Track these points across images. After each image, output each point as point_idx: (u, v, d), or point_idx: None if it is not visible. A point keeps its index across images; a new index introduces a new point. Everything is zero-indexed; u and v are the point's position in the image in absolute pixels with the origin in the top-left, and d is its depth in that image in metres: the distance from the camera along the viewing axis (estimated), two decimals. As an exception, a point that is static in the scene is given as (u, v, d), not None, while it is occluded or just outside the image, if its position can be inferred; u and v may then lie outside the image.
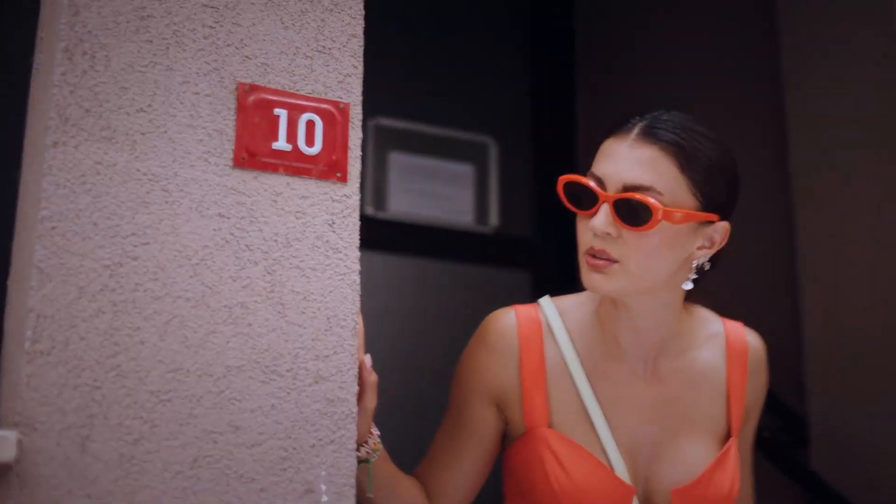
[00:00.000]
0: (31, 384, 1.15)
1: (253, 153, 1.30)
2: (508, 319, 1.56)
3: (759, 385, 1.62)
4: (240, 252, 1.27)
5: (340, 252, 1.33)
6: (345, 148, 1.35)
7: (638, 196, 1.41)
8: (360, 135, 1.38)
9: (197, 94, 1.29)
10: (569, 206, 1.49)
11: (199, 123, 1.29)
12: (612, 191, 1.44)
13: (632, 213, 1.42)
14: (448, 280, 3.71)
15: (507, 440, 1.58)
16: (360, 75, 1.39)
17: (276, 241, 1.30)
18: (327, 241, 1.33)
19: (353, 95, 1.38)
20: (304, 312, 1.29)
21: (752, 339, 1.62)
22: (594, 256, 1.45)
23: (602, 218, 1.43)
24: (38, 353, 1.16)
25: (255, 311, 1.27)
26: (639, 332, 1.54)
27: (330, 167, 1.34)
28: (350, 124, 1.37)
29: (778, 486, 2.80)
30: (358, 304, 1.33)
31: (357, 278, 1.34)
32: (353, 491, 1.28)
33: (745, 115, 3.25)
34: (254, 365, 1.25)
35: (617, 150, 1.46)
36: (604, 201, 1.44)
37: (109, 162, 1.23)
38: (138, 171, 1.24)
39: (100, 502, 1.15)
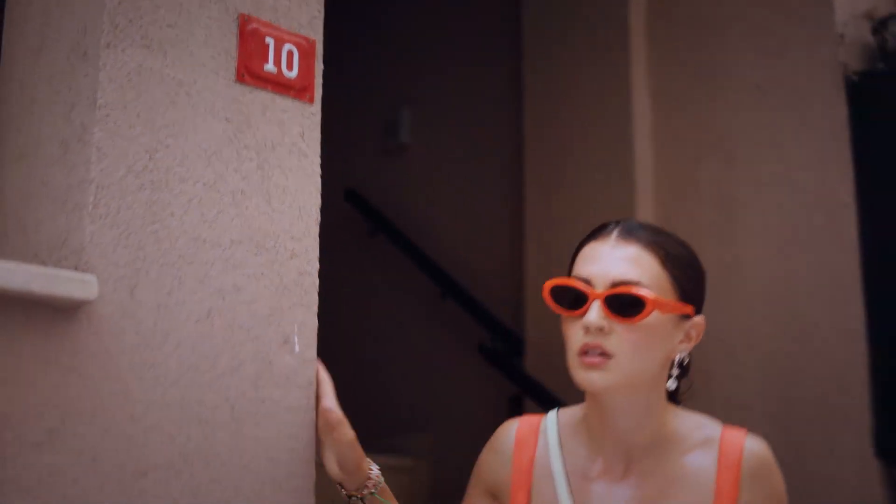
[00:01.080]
0: (94, 241, 1.41)
1: (250, 71, 1.61)
2: (512, 426, 1.70)
3: (762, 495, 1.56)
4: (240, 150, 1.59)
5: (308, 157, 1.68)
6: (312, 75, 1.69)
7: (629, 289, 1.51)
8: (322, 66, 1.72)
9: (210, 18, 1.58)
10: (557, 309, 1.57)
11: (211, 42, 1.57)
12: (601, 288, 1.53)
13: (624, 305, 1.51)
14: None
15: None
16: (323, 18, 1.73)
17: (264, 144, 1.62)
18: (300, 149, 1.66)
19: (318, 34, 1.72)
20: (283, 202, 1.63)
21: (749, 445, 1.58)
22: (587, 354, 1.52)
23: (595, 314, 1.51)
24: (98, 216, 1.42)
25: (251, 197, 1.59)
26: (619, 432, 1.59)
27: (302, 89, 1.67)
28: (316, 57, 1.71)
29: (501, 387, 3.41)
30: (319, 201, 1.69)
31: (318, 180, 1.69)
32: (315, 344, 1.64)
33: (485, 118, 3.80)
34: (249, 240, 1.58)
35: (601, 252, 1.56)
36: (594, 298, 1.52)
37: (147, 66, 1.50)
38: (168, 76, 1.52)
39: (144, 338, 1.44)
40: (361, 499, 1.58)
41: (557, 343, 1.74)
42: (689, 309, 1.57)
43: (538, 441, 1.64)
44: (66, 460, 1.36)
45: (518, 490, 1.61)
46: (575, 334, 1.53)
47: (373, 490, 1.58)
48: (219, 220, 1.55)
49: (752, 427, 2.65)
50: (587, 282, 1.54)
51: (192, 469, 1.47)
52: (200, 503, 1.48)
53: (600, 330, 1.50)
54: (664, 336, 1.53)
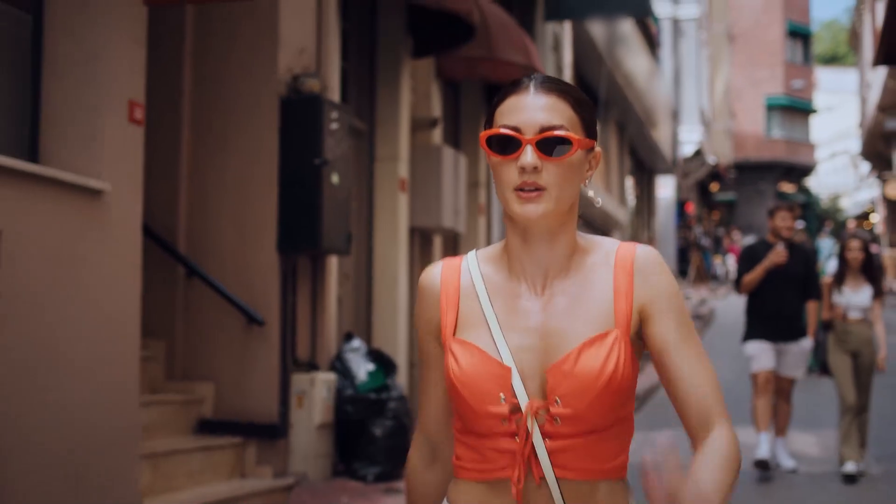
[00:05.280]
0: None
1: None
2: (435, 268, 1.91)
3: (654, 284, 1.81)
4: None
5: None
6: None
7: (557, 133, 1.75)
8: None
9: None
10: (494, 155, 1.78)
11: None
12: (531, 134, 1.75)
13: (553, 147, 1.75)
14: None
15: None
16: None
17: None
18: None
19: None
20: None
21: (639, 250, 1.84)
22: (523, 190, 1.75)
23: (530, 156, 1.73)
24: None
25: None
26: (540, 253, 1.82)
27: None
28: None
29: None
30: None
31: None
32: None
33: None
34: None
35: (524, 102, 1.78)
36: (527, 143, 1.75)
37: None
38: None
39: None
40: None
41: None
42: (593, 143, 1.83)
43: (461, 274, 1.87)
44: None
45: (447, 313, 1.84)
46: (510, 174, 1.76)
47: None
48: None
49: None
50: (517, 129, 1.76)
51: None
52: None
53: (535, 169, 1.73)
54: (580, 167, 1.80)
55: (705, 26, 33.06)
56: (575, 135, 1.78)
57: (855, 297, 7.75)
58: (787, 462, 7.90)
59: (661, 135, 23.48)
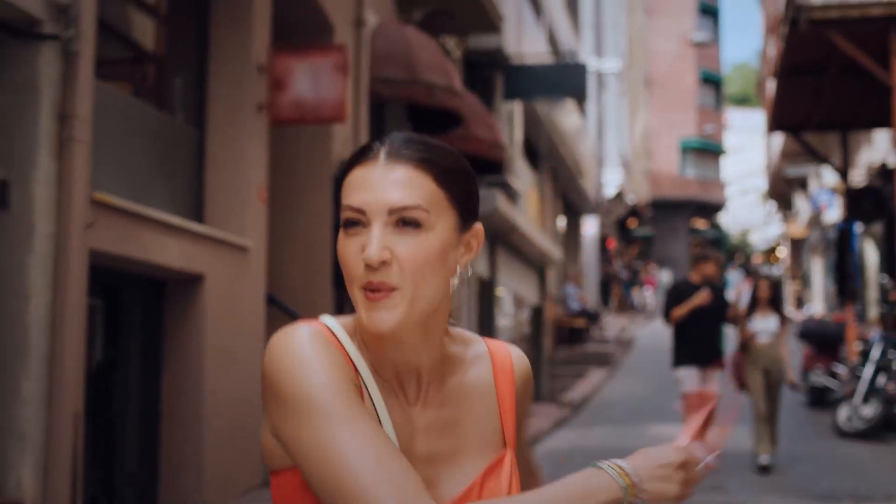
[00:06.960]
0: (256, 240, 7.60)
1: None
2: (310, 326, 1.43)
3: (528, 395, 1.62)
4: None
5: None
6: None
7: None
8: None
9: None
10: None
11: (265, 197, 7.77)
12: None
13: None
14: None
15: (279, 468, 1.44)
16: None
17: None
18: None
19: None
20: None
21: (515, 355, 1.61)
22: (372, 290, 1.38)
23: (374, 248, 1.36)
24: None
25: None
26: (400, 356, 1.47)
27: (272, 204, 7.89)
28: (273, 197, 7.92)
29: None
30: None
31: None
32: None
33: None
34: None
35: (370, 177, 1.40)
36: (371, 231, 1.38)
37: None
38: (262, 206, 7.70)
39: (259, 258, 7.66)
40: None
41: None
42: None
43: (346, 354, 1.44)
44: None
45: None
46: (355, 268, 1.40)
47: None
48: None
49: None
50: (360, 212, 1.40)
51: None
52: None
53: (383, 263, 1.37)
54: (446, 255, 1.43)
55: (625, 76, 36.08)
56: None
57: (764, 323, 9.55)
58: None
59: (588, 180, 26.45)
